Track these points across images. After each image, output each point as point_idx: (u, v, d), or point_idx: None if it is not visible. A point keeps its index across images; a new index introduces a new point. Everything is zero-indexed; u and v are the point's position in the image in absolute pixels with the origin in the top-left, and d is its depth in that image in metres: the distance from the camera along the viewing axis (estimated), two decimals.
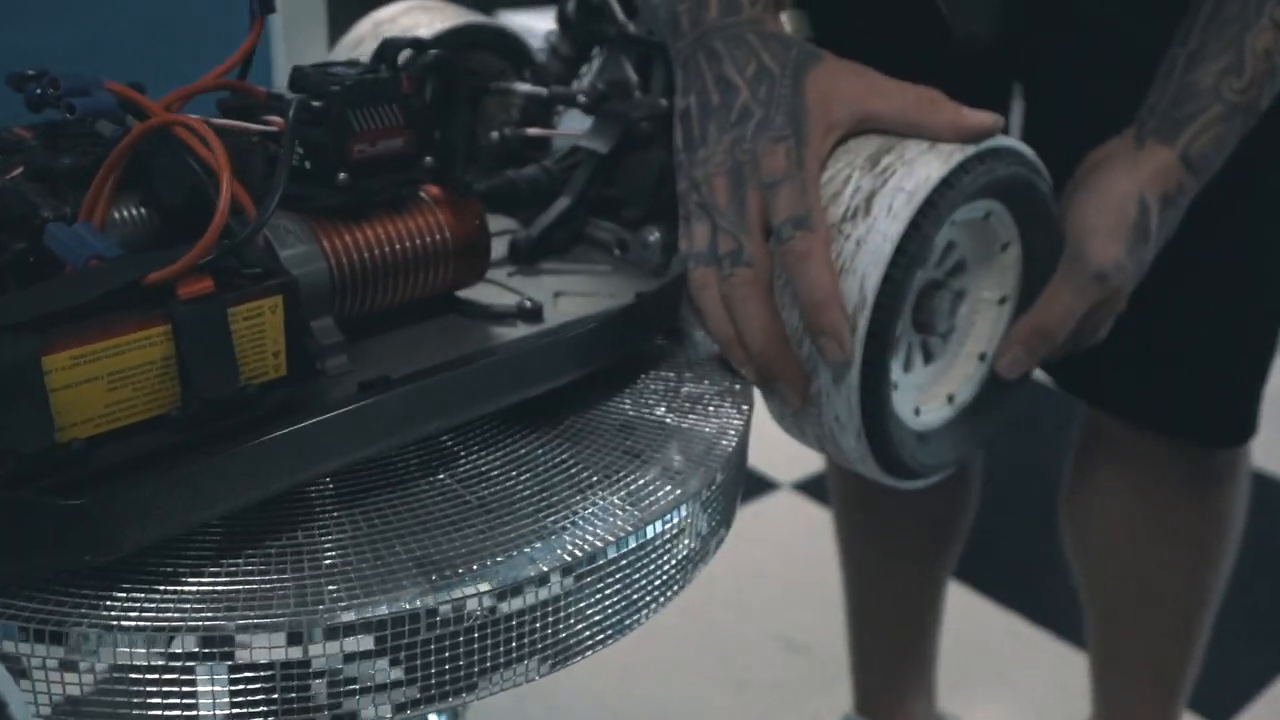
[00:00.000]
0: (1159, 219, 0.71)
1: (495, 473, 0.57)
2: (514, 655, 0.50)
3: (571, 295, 0.71)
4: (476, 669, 0.49)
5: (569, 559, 0.50)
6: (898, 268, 0.59)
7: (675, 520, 0.55)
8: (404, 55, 0.64)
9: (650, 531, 0.54)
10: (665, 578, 0.56)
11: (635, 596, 0.54)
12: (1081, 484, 1.05)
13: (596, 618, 0.53)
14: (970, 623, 1.67)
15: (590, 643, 0.53)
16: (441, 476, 0.56)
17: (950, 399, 0.69)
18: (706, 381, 0.66)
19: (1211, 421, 0.95)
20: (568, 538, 0.52)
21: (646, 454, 0.59)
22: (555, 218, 0.77)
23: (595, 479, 0.57)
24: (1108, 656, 1.09)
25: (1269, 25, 0.70)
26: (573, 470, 0.57)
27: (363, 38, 0.87)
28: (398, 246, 0.63)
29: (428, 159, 0.64)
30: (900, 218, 0.59)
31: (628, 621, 0.54)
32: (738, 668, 1.57)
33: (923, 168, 0.61)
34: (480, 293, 0.71)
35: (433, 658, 0.48)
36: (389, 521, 0.52)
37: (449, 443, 0.60)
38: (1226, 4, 0.71)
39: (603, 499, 0.55)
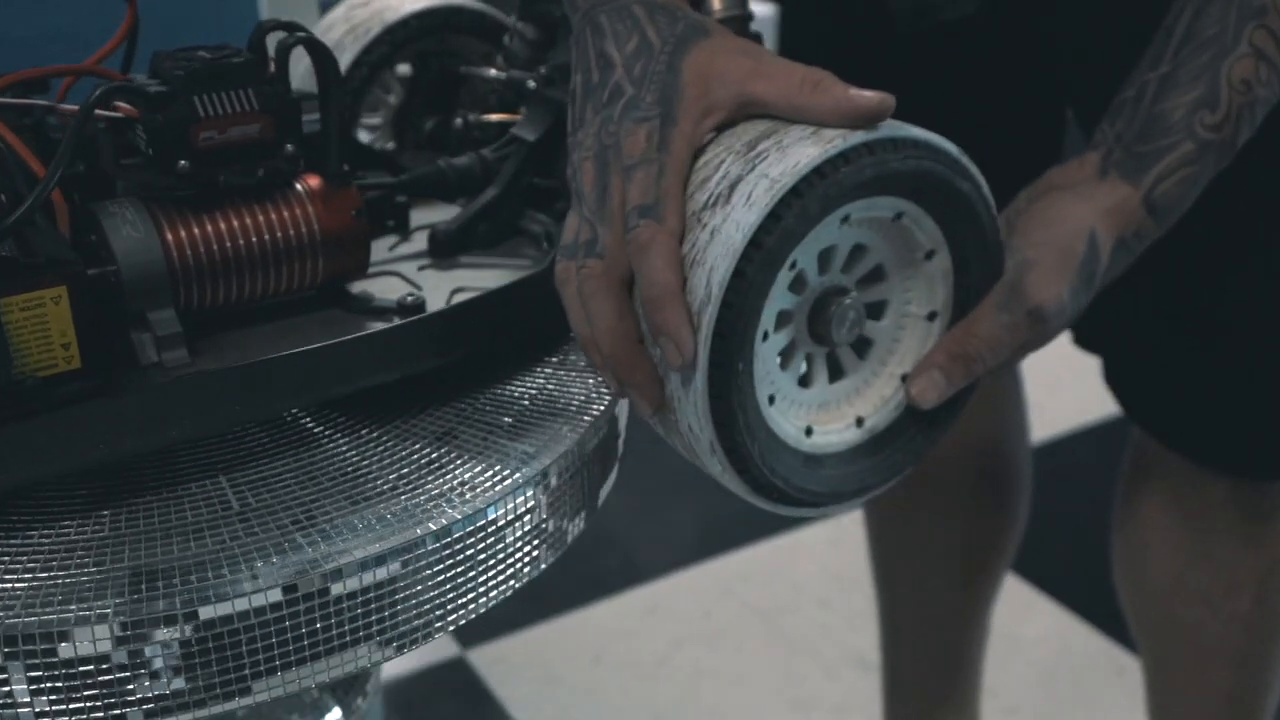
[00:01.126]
0: (1108, 261, 0.62)
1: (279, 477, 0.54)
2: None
3: (471, 292, 0.67)
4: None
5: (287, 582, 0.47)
6: (751, 262, 0.53)
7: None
8: (274, 38, 0.61)
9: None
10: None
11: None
12: (1129, 517, 0.94)
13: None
14: (1068, 653, 1.54)
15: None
16: (220, 479, 0.53)
17: (859, 422, 0.61)
18: (576, 380, 0.61)
19: (1268, 454, 0.83)
20: (313, 550, 0.48)
21: (472, 444, 0.55)
22: (478, 209, 0.73)
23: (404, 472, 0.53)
24: (1160, 708, 0.98)
25: (1248, 52, 0.60)
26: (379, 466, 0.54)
27: (333, 23, 0.85)
28: (254, 239, 0.60)
29: (288, 147, 0.61)
30: (758, 206, 0.53)
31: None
32: (802, 685, 1.50)
33: (795, 154, 0.54)
34: (379, 286, 0.68)
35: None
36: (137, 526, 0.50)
37: (309, 424, 0.58)
38: (1202, 21, 0.61)
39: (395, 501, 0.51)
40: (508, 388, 0.60)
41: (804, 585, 1.65)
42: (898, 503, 1.06)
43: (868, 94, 0.56)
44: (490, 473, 0.52)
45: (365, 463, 0.53)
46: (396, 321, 0.59)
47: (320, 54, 0.62)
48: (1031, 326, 0.60)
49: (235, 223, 0.60)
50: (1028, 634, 1.57)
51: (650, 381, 0.55)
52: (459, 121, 0.83)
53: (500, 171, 0.74)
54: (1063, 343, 0.93)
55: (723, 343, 0.53)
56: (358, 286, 0.68)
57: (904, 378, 0.62)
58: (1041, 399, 2.26)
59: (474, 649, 1.53)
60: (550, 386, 0.60)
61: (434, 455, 0.54)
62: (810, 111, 0.56)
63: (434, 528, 0.48)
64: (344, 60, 0.82)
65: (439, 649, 1.52)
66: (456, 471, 0.52)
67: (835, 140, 0.54)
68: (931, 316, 0.62)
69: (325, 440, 0.55)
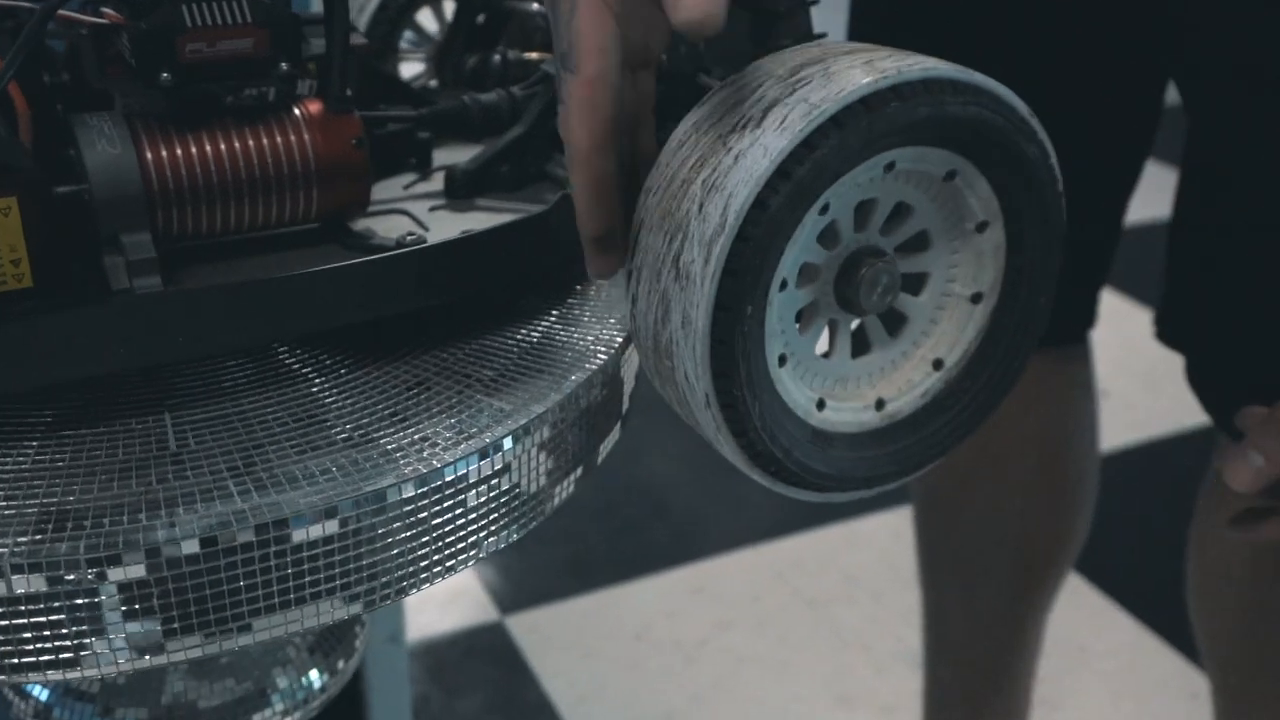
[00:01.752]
0: None
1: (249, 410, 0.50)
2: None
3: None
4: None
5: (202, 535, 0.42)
6: (775, 193, 0.46)
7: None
8: None
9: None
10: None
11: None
12: (1208, 533, 0.86)
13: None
14: (1138, 670, 1.45)
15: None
16: (164, 416, 0.49)
17: (880, 404, 0.55)
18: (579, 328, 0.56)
19: None
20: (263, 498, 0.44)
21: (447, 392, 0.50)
22: (500, 149, 0.67)
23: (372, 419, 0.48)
24: None
25: None
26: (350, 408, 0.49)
27: None
28: (241, 165, 0.56)
29: (284, 66, 0.56)
30: (790, 131, 0.46)
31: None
32: (849, 678, 1.43)
33: (841, 80, 0.48)
34: (386, 225, 0.63)
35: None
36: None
37: (276, 361, 0.53)
38: None
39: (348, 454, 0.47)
40: (498, 338, 0.55)
41: (858, 576, 1.58)
42: (946, 495, 0.99)
43: None
44: (454, 430, 0.47)
45: (324, 409, 0.48)
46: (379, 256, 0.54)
47: None
48: None
49: (222, 145, 0.56)
50: (1098, 646, 1.48)
51: (604, 221, 0.50)
52: (497, 59, 0.78)
53: (527, 109, 0.69)
54: None
55: (733, 281, 0.47)
56: (362, 223, 0.63)
57: (938, 363, 0.56)
58: (1137, 398, 2.16)
59: (512, 615, 1.49)
60: (544, 339, 0.55)
61: (400, 407, 0.49)
62: None
63: (374, 487, 0.43)
64: None
65: (476, 611, 1.49)
66: (420, 426, 0.47)
67: (889, 71, 0.48)
68: (976, 298, 0.55)
69: (287, 382, 0.51)
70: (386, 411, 0.48)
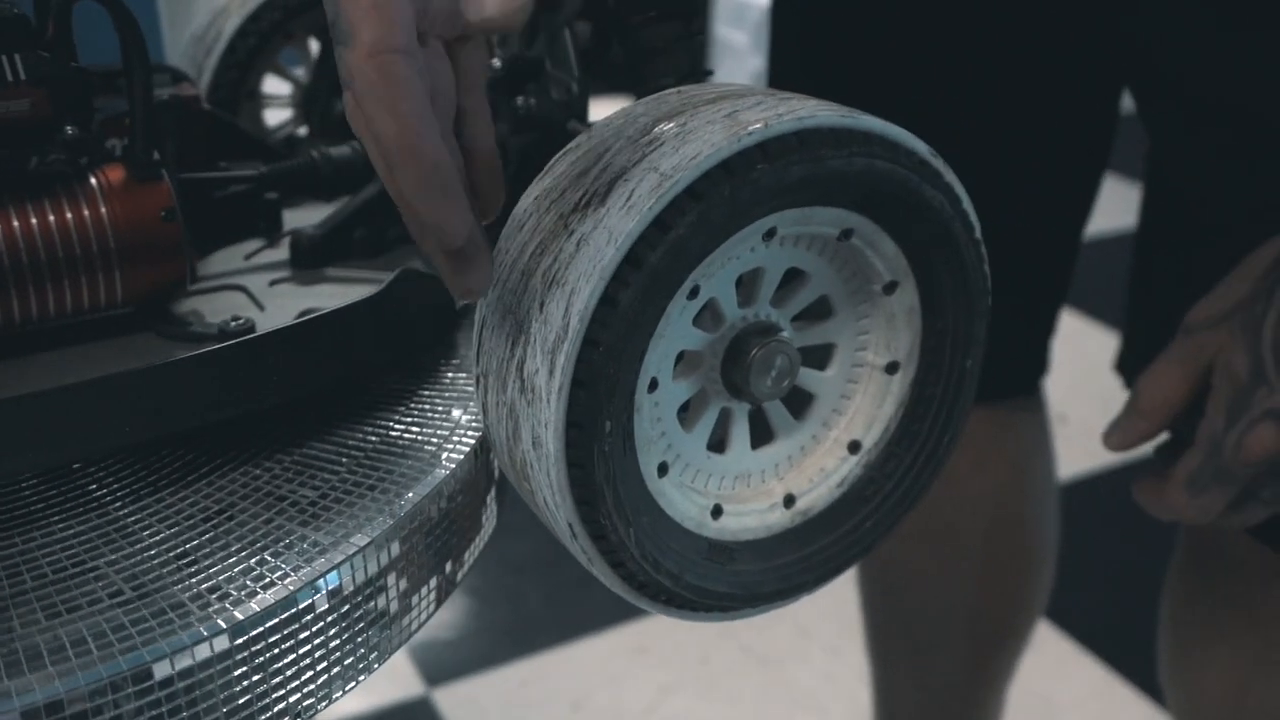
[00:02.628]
0: None
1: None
2: None
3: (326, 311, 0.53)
4: None
5: None
6: (626, 286, 0.39)
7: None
8: None
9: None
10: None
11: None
12: (1184, 612, 0.78)
13: None
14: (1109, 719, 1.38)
15: None
16: None
17: (789, 501, 0.47)
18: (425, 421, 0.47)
19: None
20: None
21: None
22: (353, 210, 0.59)
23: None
24: None
25: None
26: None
27: None
28: (22, 246, 0.47)
29: (69, 130, 0.48)
30: (638, 210, 0.39)
31: None
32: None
33: (697, 141, 0.40)
34: (217, 304, 0.55)
35: None
36: None
37: (49, 490, 0.44)
38: None
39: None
40: (327, 444, 0.46)
41: (812, 630, 1.50)
42: (892, 562, 0.91)
43: None
44: (252, 576, 0.38)
45: (94, 552, 0.40)
46: (178, 355, 0.45)
47: (119, 12, 0.48)
48: (1185, 347, 0.60)
49: None
50: (1064, 695, 1.41)
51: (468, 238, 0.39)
52: None
53: None
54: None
55: (584, 394, 0.39)
56: (188, 304, 0.55)
57: (852, 445, 0.47)
58: (1096, 423, 2.08)
59: (441, 688, 1.39)
60: (383, 444, 0.46)
61: (191, 545, 0.40)
62: None
63: (128, 668, 0.34)
64: (228, 27, 0.70)
65: (401, 685, 1.39)
66: (212, 571, 0.39)
67: (754, 125, 0.40)
68: (892, 368, 0.47)
69: (55, 513, 0.42)
70: (173, 552, 0.39)
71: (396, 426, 0.47)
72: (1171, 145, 0.69)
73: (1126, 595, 1.52)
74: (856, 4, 0.75)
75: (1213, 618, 0.77)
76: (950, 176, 0.44)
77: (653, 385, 0.42)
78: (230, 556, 0.39)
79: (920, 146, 0.43)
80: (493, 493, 0.49)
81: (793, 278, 0.45)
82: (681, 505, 0.44)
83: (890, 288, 0.46)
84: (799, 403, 0.48)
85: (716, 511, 0.45)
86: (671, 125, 0.41)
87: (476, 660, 1.42)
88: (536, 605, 1.49)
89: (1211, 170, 0.66)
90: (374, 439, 0.46)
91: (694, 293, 0.41)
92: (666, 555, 0.43)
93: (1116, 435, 0.64)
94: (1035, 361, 0.85)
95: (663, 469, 0.44)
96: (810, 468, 0.47)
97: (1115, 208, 1.32)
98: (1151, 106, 0.70)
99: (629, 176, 0.40)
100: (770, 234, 0.42)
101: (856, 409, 0.48)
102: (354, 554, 0.39)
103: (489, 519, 0.48)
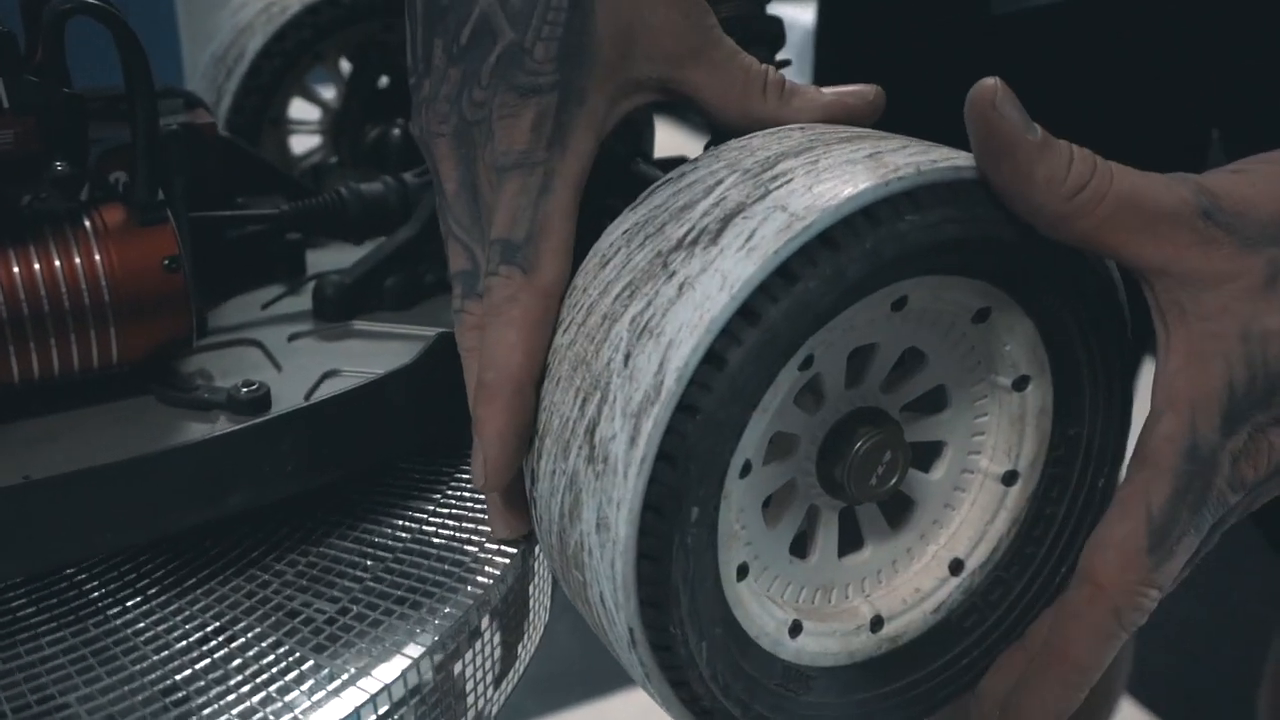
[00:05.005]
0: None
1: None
2: None
3: (350, 375, 0.46)
4: None
5: None
6: (738, 343, 0.32)
7: None
8: (56, 3, 0.42)
9: None
10: None
11: None
12: None
13: None
14: None
15: None
16: None
17: (877, 624, 0.39)
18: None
19: None
20: None
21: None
22: (385, 256, 0.52)
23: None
24: None
25: None
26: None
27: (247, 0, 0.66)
28: (4, 298, 0.41)
29: (58, 165, 0.41)
30: (761, 254, 0.32)
31: None
32: None
33: (836, 181, 0.33)
34: (229, 361, 0.48)
35: None
36: None
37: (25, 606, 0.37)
38: None
39: None
40: (348, 543, 0.39)
41: None
42: None
43: (854, 88, 0.36)
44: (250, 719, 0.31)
45: (65, 689, 0.33)
46: (166, 444, 0.38)
47: (119, 30, 0.42)
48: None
49: None
50: None
51: (502, 458, 0.36)
52: (397, 132, 0.63)
53: (422, 203, 0.54)
54: None
55: (671, 471, 0.32)
56: (195, 361, 0.48)
57: (954, 565, 0.40)
58: None
59: None
60: (415, 542, 0.39)
61: (180, 676, 0.33)
62: (753, 117, 0.38)
63: None
64: (251, 46, 0.63)
65: None
66: (203, 715, 0.32)
67: (904, 169, 0.33)
68: (1010, 478, 0.40)
69: (23, 635, 0.35)
70: (159, 685, 0.33)
71: (431, 521, 0.40)
72: None
73: (1192, 656, 1.44)
74: (904, 36, 0.68)
75: None
76: (1111, 263, 0.37)
77: (745, 469, 0.35)
78: (228, 693, 0.32)
79: None
80: (544, 595, 0.42)
81: (907, 359, 0.38)
82: (759, 618, 0.37)
83: (1021, 383, 0.38)
84: (896, 509, 0.40)
85: (795, 629, 0.38)
86: (800, 161, 0.35)
87: (505, 713, 1.35)
88: (570, 656, 1.41)
89: None
90: (404, 536, 0.39)
91: (808, 362, 0.34)
92: (737, 680, 0.35)
93: None
94: None
95: (743, 571, 0.36)
96: (903, 587, 0.40)
97: None
98: (1239, 148, 0.63)
99: (749, 214, 0.33)
100: (900, 303, 0.35)
101: (962, 522, 0.40)
102: (378, 692, 0.32)
103: (538, 627, 0.41)
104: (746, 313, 0.32)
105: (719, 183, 0.35)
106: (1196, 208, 0.33)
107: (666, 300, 0.33)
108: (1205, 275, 0.33)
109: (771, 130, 0.38)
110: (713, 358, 0.32)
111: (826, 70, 0.74)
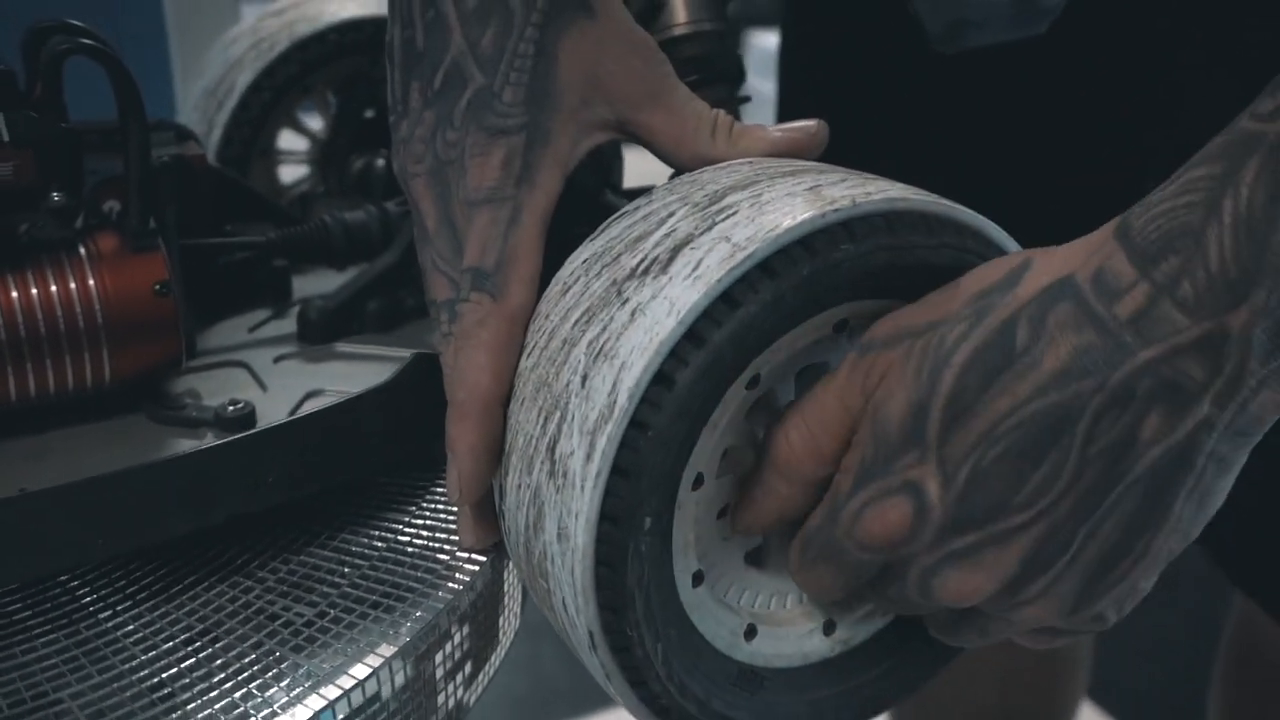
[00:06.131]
0: (1040, 309, 0.33)
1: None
2: None
3: (333, 395, 0.48)
4: None
5: None
6: (685, 365, 0.34)
7: None
8: (54, 43, 0.44)
9: None
10: None
11: None
12: (1234, 696, 0.73)
13: None
14: None
15: None
16: None
17: (829, 628, 0.42)
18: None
19: None
20: None
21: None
22: (367, 281, 0.55)
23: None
24: None
25: None
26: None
27: (239, 35, 0.69)
28: (2, 322, 0.43)
29: (55, 196, 0.44)
30: (706, 281, 0.34)
31: None
32: None
33: (777, 213, 0.35)
34: (217, 382, 0.50)
35: None
36: None
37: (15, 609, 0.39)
38: None
39: None
40: (328, 552, 0.41)
41: None
42: None
43: (799, 125, 0.39)
44: (234, 714, 0.33)
45: (57, 686, 0.35)
46: (155, 456, 0.41)
47: (113, 68, 0.44)
48: (852, 365, 0.36)
49: None
50: None
51: (475, 470, 0.39)
52: (380, 163, 0.65)
53: (402, 230, 0.56)
54: None
55: (625, 484, 0.34)
56: (185, 382, 0.50)
57: None
58: None
59: None
60: (390, 551, 0.42)
61: (167, 674, 0.35)
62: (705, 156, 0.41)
63: None
64: (241, 81, 0.66)
65: None
66: (187, 710, 0.34)
67: (840, 201, 0.35)
68: None
69: (19, 637, 0.37)
70: (147, 683, 0.35)
71: (406, 530, 0.43)
72: None
73: (1160, 665, 1.46)
74: (857, 68, 0.70)
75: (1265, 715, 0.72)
76: None
77: (698, 481, 0.37)
78: (211, 690, 0.34)
79: (1014, 247, 0.38)
80: (514, 604, 0.44)
81: None
82: (714, 622, 0.39)
83: None
84: None
85: (750, 633, 0.40)
86: (745, 195, 0.37)
87: None
88: (555, 674, 1.43)
89: None
90: (380, 545, 0.42)
91: (754, 381, 0.37)
92: (694, 678, 0.38)
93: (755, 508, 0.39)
94: None
95: (698, 578, 0.39)
96: None
97: None
98: None
99: (696, 245, 0.36)
100: (842, 325, 0.37)
101: None
102: (353, 687, 0.35)
103: (508, 633, 0.43)
104: (693, 336, 0.34)
105: (670, 215, 0.38)
106: None
107: (620, 325, 0.36)
108: None
109: (721, 165, 0.41)
110: (662, 378, 0.34)
111: (789, 94, 0.77)
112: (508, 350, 0.39)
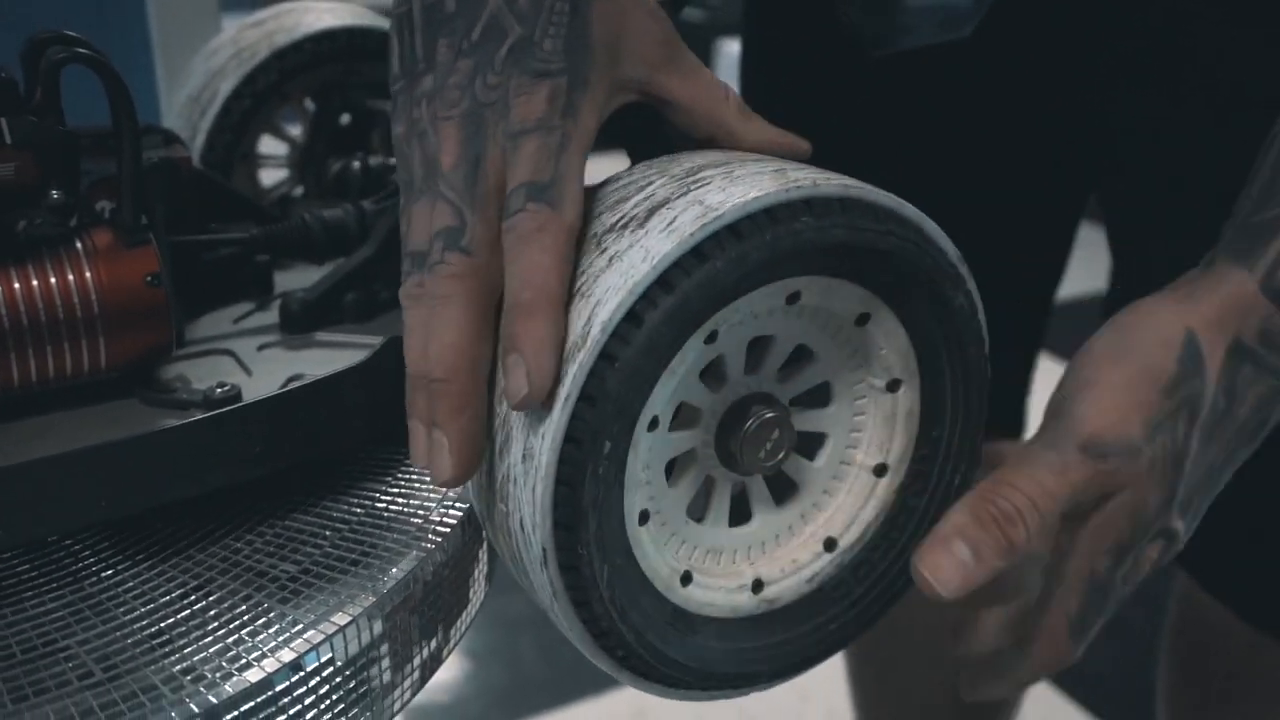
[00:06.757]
0: (1219, 377, 0.45)
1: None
2: None
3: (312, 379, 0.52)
4: None
5: None
6: (653, 306, 0.38)
7: None
8: (52, 53, 0.48)
9: None
10: None
11: None
12: (1178, 679, 0.77)
13: None
14: None
15: None
16: None
17: (758, 586, 0.45)
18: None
19: None
20: None
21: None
22: (344, 274, 0.58)
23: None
24: None
25: None
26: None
27: (220, 45, 0.72)
28: (4, 312, 0.46)
29: (54, 194, 0.47)
30: (679, 235, 0.38)
31: None
32: None
33: (747, 185, 0.39)
34: (204, 369, 0.54)
35: None
36: None
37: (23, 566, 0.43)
38: None
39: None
40: (311, 515, 0.45)
41: (811, 695, 1.47)
42: (876, 639, 0.89)
43: (794, 137, 0.42)
44: (227, 657, 0.37)
45: (66, 630, 0.38)
46: (154, 427, 0.44)
47: (108, 77, 0.48)
48: (1091, 472, 0.44)
49: None
50: None
51: (469, 435, 0.39)
52: (356, 164, 0.69)
53: (377, 226, 0.60)
54: None
55: (590, 409, 0.38)
56: (175, 369, 0.54)
57: (828, 543, 0.46)
58: None
59: None
60: (369, 515, 0.45)
61: (167, 623, 0.39)
62: (734, 137, 0.43)
63: None
64: (223, 89, 0.69)
65: None
66: (187, 651, 0.37)
67: (803, 182, 0.39)
68: (880, 471, 0.46)
69: (29, 593, 0.41)
70: (147, 631, 0.38)
71: (383, 498, 0.46)
72: (1132, 225, 0.69)
73: (1120, 651, 1.50)
74: (818, 79, 0.74)
75: (1205, 690, 0.76)
76: (972, 286, 0.43)
77: (653, 424, 0.41)
78: (206, 636, 0.38)
79: (951, 248, 0.42)
80: (482, 566, 0.48)
81: (800, 357, 0.44)
82: (654, 561, 0.43)
83: (893, 385, 0.45)
84: (781, 489, 0.47)
85: (686, 579, 0.44)
86: (719, 171, 0.41)
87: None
88: (533, 666, 1.46)
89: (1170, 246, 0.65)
90: (359, 511, 0.45)
91: (712, 337, 0.40)
92: (633, 608, 0.41)
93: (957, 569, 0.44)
94: (1011, 424, 0.85)
95: (644, 517, 0.42)
96: (783, 557, 0.46)
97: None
98: (1116, 211, 0.70)
99: (672, 206, 0.39)
100: (794, 298, 0.41)
101: (838, 507, 0.46)
102: (334, 633, 0.38)
103: (477, 593, 0.47)
104: (663, 282, 0.38)
105: (649, 184, 0.42)
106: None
107: (598, 270, 0.39)
108: None
109: (698, 150, 0.45)
110: (632, 317, 0.38)
111: (748, 99, 0.81)
112: (566, 260, 0.40)
